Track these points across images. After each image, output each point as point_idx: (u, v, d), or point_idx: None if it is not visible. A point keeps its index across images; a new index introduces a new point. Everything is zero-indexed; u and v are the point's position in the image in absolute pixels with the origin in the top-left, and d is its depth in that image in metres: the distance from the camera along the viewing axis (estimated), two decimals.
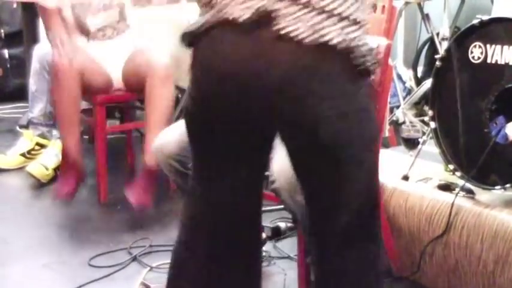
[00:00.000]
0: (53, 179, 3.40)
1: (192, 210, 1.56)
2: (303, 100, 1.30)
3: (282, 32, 1.24)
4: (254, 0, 1.25)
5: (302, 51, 1.26)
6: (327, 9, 1.26)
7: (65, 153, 3.09)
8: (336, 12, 1.26)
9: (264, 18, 1.26)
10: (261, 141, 1.47)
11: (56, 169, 3.42)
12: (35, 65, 3.54)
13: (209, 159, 1.46)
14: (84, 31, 3.25)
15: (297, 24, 1.25)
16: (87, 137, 3.79)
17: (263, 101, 1.34)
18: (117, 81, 3.17)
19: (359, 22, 1.32)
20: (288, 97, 1.30)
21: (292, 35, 1.24)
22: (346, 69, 1.33)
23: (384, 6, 2.44)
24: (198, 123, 1.47)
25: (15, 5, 4.16)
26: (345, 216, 1.48)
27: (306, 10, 1.25)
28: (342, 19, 1.28)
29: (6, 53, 4.45)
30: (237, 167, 1.47)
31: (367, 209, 1.50)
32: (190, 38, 1.39)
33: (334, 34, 1.26)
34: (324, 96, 1.30)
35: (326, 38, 1.25)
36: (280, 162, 2.12)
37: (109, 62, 3.21)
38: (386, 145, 3.43)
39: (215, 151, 1.47)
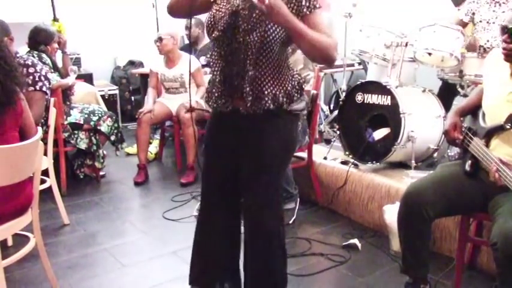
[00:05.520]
0: (153, 159, 4.98)
1: None
2: None
3: None
4: None
5: None
6: None
7: (139, 160, 4.46)
8: None
9: None
10: None
11: (155, 154, 4.83)
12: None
13: None
14: (166, 89, 4.73)
15: None
16: (170, 138, 5.27)
17: None
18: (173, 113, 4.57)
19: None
20: None
21: None
22: None
23: (314, 76, 3.54)
24: None
25: (137, 75, 6.03)
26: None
27: None
28: None
29: (132, 98, 6.57)
30: None
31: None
32: None
33: None
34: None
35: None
36: None
37: (172, 105, 4.62)
38: (316, 142, 4.05)
39: None
